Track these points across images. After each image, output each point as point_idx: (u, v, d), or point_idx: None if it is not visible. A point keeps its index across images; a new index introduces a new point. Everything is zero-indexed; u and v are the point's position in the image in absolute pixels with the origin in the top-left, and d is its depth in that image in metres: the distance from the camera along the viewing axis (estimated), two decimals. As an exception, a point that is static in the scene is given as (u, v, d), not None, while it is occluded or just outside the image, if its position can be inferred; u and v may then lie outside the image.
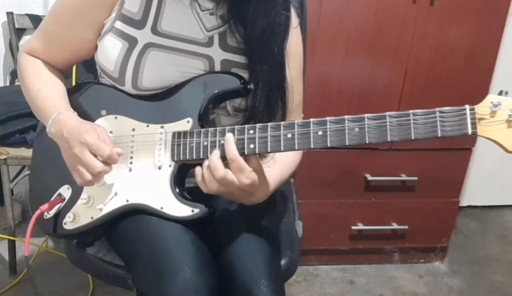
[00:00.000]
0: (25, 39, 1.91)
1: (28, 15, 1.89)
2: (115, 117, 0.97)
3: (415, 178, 1.85)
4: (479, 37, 1.70)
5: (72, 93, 1.01)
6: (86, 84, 1.03)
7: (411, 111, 0.75)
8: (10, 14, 1.85)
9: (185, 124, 0.92)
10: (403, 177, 1.85)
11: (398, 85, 1.73)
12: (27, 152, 1.59)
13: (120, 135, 0.95)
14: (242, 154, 0.83)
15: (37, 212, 0.94)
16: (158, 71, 0.95)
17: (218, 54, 0.97)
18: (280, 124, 0.83)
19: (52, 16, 0.99)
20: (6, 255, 1.80)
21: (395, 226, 1.91)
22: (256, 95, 0.94)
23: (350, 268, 1.98)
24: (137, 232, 0.91)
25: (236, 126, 0.86)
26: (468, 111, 0.73)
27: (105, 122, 0.97)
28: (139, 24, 0.95)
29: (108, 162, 0.86)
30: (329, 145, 0.80)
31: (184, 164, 0.91)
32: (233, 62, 0.97)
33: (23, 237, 1.75)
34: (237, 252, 0.89)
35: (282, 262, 1.01)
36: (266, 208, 1.00)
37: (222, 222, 0.96)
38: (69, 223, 0.95)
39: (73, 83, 1.26)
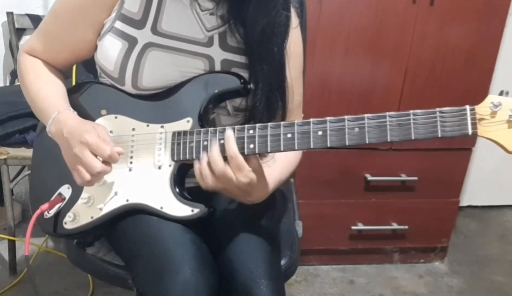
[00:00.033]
0: (25, 39, 1.91)
1: (28, 15, 1.89)
2: (115, 117, 0.97)
3: (415, 178, 1.85)
4: (479, 37, 1.70)
5: (72, 93, 1.01)
6: (86, 84, 1.03)
7: (411, 111, 0.75)
8: (10, 14, 1.85)
9: (185, 124, 0.92)
10: (403, 177, 1.85)
11: (398, 85, 1.73)
12: (27, 152, 1.59)
13: (120, 135, 0.95)
14: (242, 153, 0.83)
15: (37, 212, 0.94)
16: (158, 71, 0.95)
17: (218, 54, 0.97)
18: (280, 124, 0.83)
19: (52, 16, 0.99)
20: (6, 255, 1.80)
21: (395, 226, 1.91)
22: (256, 95, 0.94)
23: (350, 268, 1.98)
24: (137, 232, 0.91)
25: (236, 126, 0.86)
26: (468, 112, 0.73)
27: (105, 122, 0.97)
28: (139, 24, 0.95)
29: (108, 161, 0.86)
30: (329, 145, 0.80)
31: (184, 164, 0.91)
32: (233, 62, 0.97)
33: (23, 237, 1.76)
34: (237, 252, 0.89)
35: (282, 262, 1.01)
36: (266, 208, 1.00)
37: (222, 222, 0.96)
38: (69, 222, 0.95)
39: (73, 83, 1.26)
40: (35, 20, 1.89)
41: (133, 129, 0.95)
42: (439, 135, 0.74)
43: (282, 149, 0.83)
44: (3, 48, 1.96)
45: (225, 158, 0.84)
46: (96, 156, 0.85)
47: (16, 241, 1.76)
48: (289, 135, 0.82)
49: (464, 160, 1.89)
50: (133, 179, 0.93)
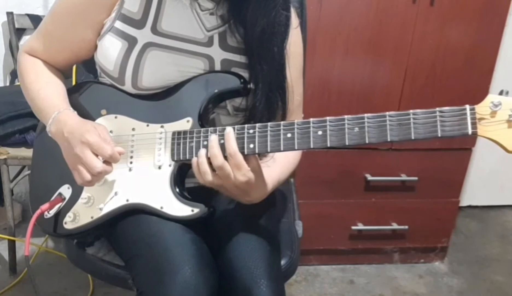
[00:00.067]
0: (25, 39, 1.91)
1: (28, 15, 1.89)
2: (115, 117, 0.97)
3: (415, 178, 1.85)
4: (479, 37, 1.70)
5: (72, 92, 1.01)
6: (86, 84, 1.03)
7: (411, 111, 0.75)
8: (10, 14, 1.85)
9: (185, 123, 0.92)
10: (403, 177, 1.85)
11: (398, 85, 1.73)
12: (27, 152, 1.59)
13: (120, 135, 0.95)
14: (242, 153, 0.83)
15: (38, 212, 0.94)
16: (158, 70, 0.95)
17: (218, 54, 0.97)
18: (280, 124, 0.83)
19: (52, 16, 0.99)
20: (6, 255, 1.80)
21: (395, 226, 1.91)
22: (256, 95, 0.94)
23: (350, 268, 1.98)
24: (137, 231, 0.91)
25: (236, 126, 0.86)
26: (468, 111, 0.73)
27: (105, 121, 0.97)
28: (139, 24, 0.95)
29: (109, 161, 0.86)
30: (329, 145, 0.80)
31: (184, 164, 0.91)
32: (233, 62, 0.97)
33: (23, 237, 1.76)
34: (237, 252, 0.89)
35: (282, 262, 1.01)
36: (266, 208, 1.00)
37: (222, 222, 0.96)
38: (69, 222, 0.95)
39: (73, 83, 1.26)
40: (35, 20, 1.89)
41: (133, 129, 0.95)
42: (439, 135, 0.74)
43: (282, 149, 0.83)
44: (3, 48, 1.96)
45: (224, 157, 0.84)
46: (97, 155, 0.85)
47: (16, 241, 1.76)
48: (289, 135, 0.82)
49: (464, 160, 1.89)
50: (133, 179, 0.93)
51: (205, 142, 0.87)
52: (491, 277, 1.98)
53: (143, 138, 0.94)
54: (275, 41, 0.95)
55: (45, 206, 0.95)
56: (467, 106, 0.73)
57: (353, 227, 1.89)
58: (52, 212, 0.96)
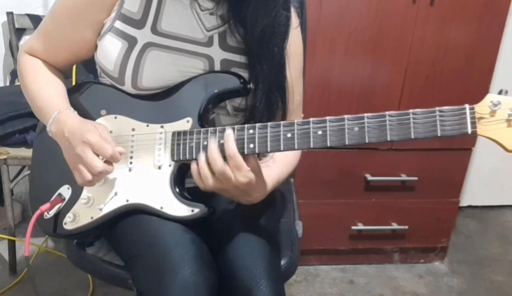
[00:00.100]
0: (25, 39, 1.91)
1: (28, 15, 1.89)
2: (115, 117, 0.97)
3: (415, 178, 1.85)
4: (479, 37, 1.70)
5: (72, 93, 1.01)
6: (85, 84, 1.03)
7: (411, 110, 0.75)
8: (10, 14, 1.85)
9: (185, 124, 0.92)
10: (403, 177, 1.85)
11: (398, 85, 1.73)
12: (27, 152, 1.59)
13: (119, 135, 0.95)
14: (242, 153, 0.83)
15: (37, 212, 0.94)
16: (158, 71, 0.95)
17: (218, 54, 0.97)
18: (280, 123, 0.83)
19: (52, 16, 0.99)
20: (6, 255, 1.80)
21: (395, 226, 1.91)
22: (256, 95, 0.94)
23: (350, 268, 1.98)
24: (137, 232, 0.91)
25: (236, 126, 0.86)
26: (467, 111, 0.73)
27: (104, 122, 0.96)
28: (138, 23, 0.95)
29: (110, 161, 0.86)
30: (328, 145, 0.80)
31: (184, 164, 0.91)
32: (233, 62, 0.97)
33: (23, 237, 1.76)
34: (237, 252, 0.89)
35: (282, 262, 1.01)
36: (266, 208, 1.00)
37: (222, 222, 0.96)
38: (69, 223, 0.95)
39: (73, 83, 1.26)
40: (35, 20, 1.89)
41: (133, 129, 0.95)
42: (439, 135, 0.74)
43: (282, 149, 0.83)
44: (3, 48, 1.96)
45: (224, 158, 0.83)
46: (97, 155, 0.85)
47: (16, 241, 1.76)
48: (289, 135, 0.82)
49: (464, 160, 1.89)
50: (133, 179, 0.93)
51: (205, 143, 0.87)
52: (491, 277, 1.98)
53: (143, 139, 0.94)
54: (275, 41, 0.95)
55: (44, 207, 0.95)
56: (467, 106, 0.73)
57: (353, 227, 1.89)
58: (52, 212, 0.96)
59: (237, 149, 0.83)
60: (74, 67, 1.28)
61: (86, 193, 0.94)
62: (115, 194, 0.93)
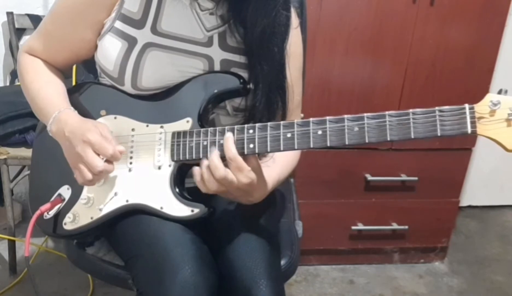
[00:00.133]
0: (25, 39, 1.91)
1: (28, 15, 1.89)
2: (115, 118, 0.97)
3: (415, 178, 1.85)
4: (479, 37, 1.70)
5: (72, 93, 1.01)
6: (85, 84, 1.03)
7: (410, 110, 0.75)
8: (10, 14, 1.85)
9: (185, 124, 0.92)
10: (403, 177, 1.85)
11: (398, 85, 1.73)
12: (27, 152, 1.59)
13: (119, 136, 0.95)
14: (241, 153, 0.83)
15: (37, 212, 0.94)
16: (158, 71, 0.95)
17: (217, 54, 0.97)
18: (279, 124, 0.83)
19: (52, 16, 0.99)
20: (6, 255, 1.81)
21: (395, 226, 1.91)
22: (256, 95, 0.94)
23: (350, 268, 1.98)
24: (137, 232, 0.91)
25: (235, 126, 0.86)
26: (467, 110, 0.73)
27: (104, 122, 0.96)
28: (138, 24, 0.95)
29: (111, 160, 0.86)
30: (328, 145, 0.80)
31: (184, 164, 0.91)
32: (233, 62, 0.97)
33: (23, 237, 1.76)
34: (237, 252, 0.89)
35: (282, 262, 1.01)
36: (266, 208, 1.00)
37: (222, 222, 0.96)
38: (69, 223, 0.95)
39: (73, 83, 1.26)
40: (35, 20, 1.89)
41: (133, 129, 0.95)
42: (439, 134, 0.74)
43: (282, 149, 0.83)
44: (3, 48, 1.96)
45: (223, 159, 0.83)
46: (98, 154, 0.85)
47: (16, 241, 1.76)
48: (289, 135, 0.82)
49: (464, 160, 1.89)
50: (133, 179, 0.93)
51: (205, 143, 0.87)
52: (491, 277, 1.98)
53: (142, 139, 0.94)
54: (275, 41, 0.94)
55: (44, 207, 0.95)
56: (467, 106, 0.73)
57: (353, 227, 1.89)
58: (52, 212, 0.96)
59: (237, 149, 0.83)
60: (74, 67, 1.28)
61: (86, 193, 0.94)
62: (115, 194, 0.93)
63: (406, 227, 1.92)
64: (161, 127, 0.93)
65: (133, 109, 0.96)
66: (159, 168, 0.92)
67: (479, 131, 0.72)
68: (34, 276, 1.28)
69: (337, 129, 0.79)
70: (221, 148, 0.84)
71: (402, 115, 0.76)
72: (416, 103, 1.71)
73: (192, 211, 0.88)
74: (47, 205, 0.95)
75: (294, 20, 1.00)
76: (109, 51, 0.95)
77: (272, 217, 1.06)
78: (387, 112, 0.77)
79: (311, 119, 0.81)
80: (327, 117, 0.80)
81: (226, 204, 0.98)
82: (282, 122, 0.83)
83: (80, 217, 0.94)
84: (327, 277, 1.91)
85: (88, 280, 1.73)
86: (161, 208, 0.90)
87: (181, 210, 0.89)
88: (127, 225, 0.93)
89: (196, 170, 0.86)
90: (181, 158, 0.90)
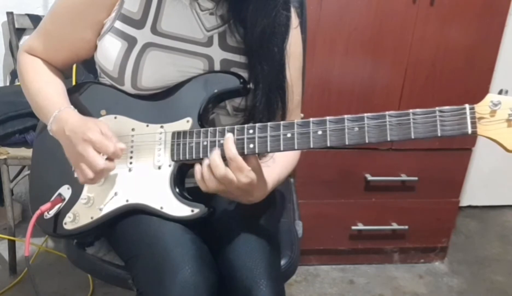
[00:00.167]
0: (25, 39, 1.91)
1: (28, 15, 1.89)
2: (115, 117, 0.97)
3: (415, 178, 1.85)
4: (479, 37, 1.70)
5: (72, 93, 1.01)
6: (85, 84, 1.03)
7: (410, 110, 0.75)
8: (10, 14, 1.85)
9: (185, 124, 0.92)
10: (403, 177, 1.85)
11: (398, 85, 1.73)
12: (27, 152, 1.59)
13: (119, 135, 0.95)
14: (242, 153, 0.83)
15: (37, 212, 0.94)
16: (158, 71, 0.95)
17: (217, 54, 0.97)
18: (279, 124, 0.83)
19: (52, 15, 0.99)
20: (6, 255, 1.81)
21: (395, 226, 1.91)
22: (256, 95, 0.94)
23: (350, 268, 1.98)
24: (137, 232, 0.91)
25: (235, 126, 0.86)
26: (468, 111, 0.73)
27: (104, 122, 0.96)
28: (138, 24, 0.95)
29: (112, 158, 0.86)
30: (328, 145, 0.80)
31: (184, 164, 0.91)
32: (233, 62, 0.97)
33: (23, 237, 1.76)
34: (237, 252, 0.89)
35: (282, 262, 1.01)
36: (266, 208, 1.00)
37: (222, 222, 0.96)
38: (69, 223, 0.95)
39: (73, 83, 1.26)
40: (35, 20, 1.89)
41: (133, 129, 0.95)
42: (439, 135, 0.74)
43: (282, 149, 0.83)
44: (3, 48, 1.96)
45: (224, 159, 0.84)
46: (99, 153, 0.85)
47: (16, 241, 1.76)
48: (288, 135, 0.82)
49: (464, 160, 1.89)
50: (133, 179, 0.93)
51: (205, 143, 0.87)
52: (491, 277, 1.98)
53: (142, 139, 0.94)
54: (275, 41, 0.95)
55: (45, 207, 0.95)
56: (467, 106, 0.73)
57: (353, 227, 1.89)
58: (52, 212, 0.96)
59: (237, 149, 0.83)
60: (74, 67, 1.28)
61: (86, 193, 0.94)
62: (115, 194, 0.93)
63: (406, 227, 1.92)
64: (161, 127, 0.93)
65: (133, 109, 0.96)
66: (159, 167, 0.92)
67: (480, 132, 0.72)
68: (34, 276, 1.28)
69: (337, 130, 0.79)
70: (221, 148, 0.84)
71: (402, 115, 0.76)
72: (416, 103, 1.71)
73: (192, 211, 0.88)
74: (47, 205, 0.95)
75: (294, 20, 1.00)
76: (109, 51, 0.95)
77: (272, 217, 1.06)
78: (387, 113, 0.77)
79: (311, 119, 0.81)
80: (327, 118, 0.80)
81: (226, 204, 0.98)
82: (282, 122, 0.83)
83: (80, 216, 0.94)
84: (327, 277, 1.91)
85: (88, 280, 1.73)
86: (161, 208, 0.90)
87: (181, 210, 0.89)
88: (127, 225, 0.93)
89: (197, 167, 0.86)
90: (181, 158, 0.90)
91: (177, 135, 0.91)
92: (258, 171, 0.86)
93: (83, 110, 0.97)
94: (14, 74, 1.94)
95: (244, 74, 0.95)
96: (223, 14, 0.97)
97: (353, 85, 1.71)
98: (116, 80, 0.96)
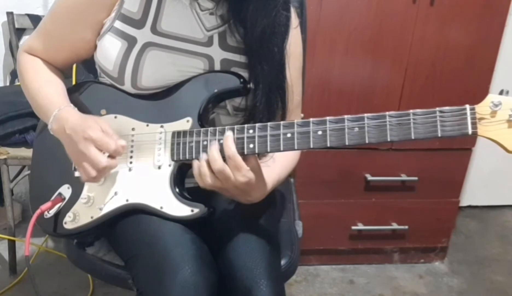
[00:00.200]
0: (25, 39, 1.91)
1: (28, 15, 1.89)
2: (115, 117, 0.97)
3: (415, 178, 1.85)
4: (479, 37, 1.70)
5: (72, 92, 1.01)
6: (85, 84, 1.03)
7: (411, 111, 0.75)
8: (10, 14, 1.85)
9: (185, 123, 0.92)
10: (403, 177, 1.85)
11: (398, 85, 1.73)
12: (27, 152, 1.59)
13: (119, 135, 0.94)
14: (241, 153, 0.83)
15: (37, 212, 0.94)
16: (158, 70, 0.95)
17: (218, 54, 0.97)
18: (279, 124, 0.83)
19: (52, 15, 0.99)
20: (6, 255, 1.80)
21: (395, 226, 1.91)
22: (256, 95, 0.94)
23: (350, 268, 1.98)
24: (137, 231, 0.91)
25: (235, 126, 0.86)
26: (468, 111, 0.73)
27: (105, 122, 0.96)
28: (138, 23, 0.95)
29: (113, 155, 0.86)
30: (328, 145, 0.80)
31: (184, 164, 0.91)
32: (233, 61, 0.97)
33: (23, 237, 1.76)
34: (237, 252, 0.89)
35: (282, 262, 1.01)
36: (266, 207, 1.00)
37: (222, 222, 0.96)
38: (69, 222, 0.95)
39: (73, 83, 1.25)
40: (35, 20, 1.89)
41: (133, 129, 0.95)
42: (439, 135, 0.74)
43: (282, 149, 0.83)
44: (3, 48, 1.96)
45: (224, 159, 0.83)
46: (101, 151, 0.85)
47: (16, 241, 1.76)
48: (288, 135, 0.82)
49: (464, 160, 1.89)
50: (133, 179, 0.93)
51: (205, 143, 0.87)
52: (491, 277, 1.98)
53: (142, 139, 0.94)
54: (275, 41, 0.95)
55: (45, 206, 0.95)
56: (467, 106, 0.73)
57: (353, 227, 1.89)
58: (52, 212, 0.96)
59: (237, 149, 0.83)
60: (74, 67, 1.28)
61: (86, 192, 0.94)
62: (115, 193, 0.93)
63: (406, 227, 1.92)
64: (161, 127, 0.93)
65: (133, 109, 0.96)
66: (159, 167, 0.92)
67: (480, 133, 0.72)
68: (34, 276, 1.28)
69: (337, 130, 0.79)
70: (221, 148, 0.84)
71: (402, 115, 0.76)
72: (416, 103, 1.71)
73: (192, 210, 0.88)
74: (48, 204, 0.95)
75: (294, 20, 1.00)
76: (109, 51, 0.95)
77: (272, 217, 1.06)
78: (387, 113, 0.76)
79: (311, 119, 0.81)
80: (327, 118, 0.80)
81: (226, 204, 0.98)
82: (282, 122, 0.83)
83: (80, 216, 0.94)
84: (327, 277, 1.91)
85: (88, 280, 1.73)
86: (161, 207, 0.90)
87: (181, 209, 0.89)
88: (127, 224, 0.93)
89: (195, 163, 0.86)
90: (181, 158, 0.90)
91: (177, 135, 0.91)
92: (257, 171, 0.86)
93: (83, 110, 0.97)
94: (14, 74, 1.94)
95: (244, 74, 0.95)
96: (223, 14, 0.97)
97: (353, 85, 1.71)
98: (116, 80, 0.96)
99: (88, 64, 1.07)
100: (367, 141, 0.77)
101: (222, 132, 0.86)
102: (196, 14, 0.96)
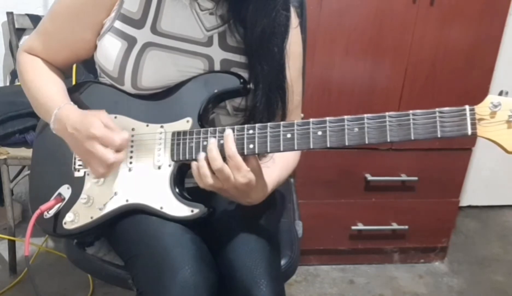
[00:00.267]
0: (25, 39, 1.91)
1: (28, 15, 1.89)
2: (115, 117, 0.97)
3: (415, 178, 1.85)
4: (479, 37, 1.70)
5: (72, 92, 1.01)
6: (85, 84, 1.03)
7: (410, 111, 0.75)
8: (10, 14, 1.85)
9: (185, 124, 0.92)
10: (403, 177, 1.85)
11: (398, 85, 1.73)
12: (27, 152, 1.59)
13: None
14: (241, 154, 0.83)
15: (37, 212, 0.94)
16: (158, 70, 0.95)
17: (217, 54, 0.97)
18: (279, 124, 0.83)
19: (51, 15, 0.99)
20: (6, 255, 1.81)
21: (395, 226, 1.91)
22: (256, 95, 0.94)
23: (350, 268, 1.98)
24: (137, 231, 0.91)
25: (235, 126, 0.85)
26: (468, 112, 0.73)
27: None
28: (138, 23, 0.95)
29: (119, 149, 0.86)
30: (328, 145, 0.80)
31: (184, 164, 0.91)
32: (233, 61, 0.97)
33: (23, 237, 1.75)
34: (237, 252, 0.89)
35: (282, 262, 1.01)
36: (266, 208, 1.00)
37: (222, 222, 0.96)
38: (69, 222, 0.95)
39: (73, 83, 1.25)
40: (35, 20, 1.89)
41: (133, 129, 0.95)
42: (439, 136, 0.74)
43: (281, 149, 0.83)
44: (3, 48, 1.96)
45: (224, 159, 0.83)
46: (106, 147, 0.85)
47: (16, 241, 1.76)
48: (288, 135, 0.82)
49: (464, 160, 1.89)
50: (133, 179, 0.93)
51: (205, 143, 0.87)
52: (491, 277, 1.98)
53: (142, 139, 0.94)
54: (275, 41, 0.94)
55: (44, 206, 0.95)
56: (467, 107, 0.73)
57: (353, 227, 1.89)
58: (52, 212, 0.96)
59: (237, 149, 0.83)
60: (74, 67, 1.28)
61: (86, 192, 0.94)
62: (115, 193, 0.93)
63: (406, 227, 1.92)
64: (161, 127, 0.93)
65: (133, 109, 0.96)
66: (159, 167, 0.92)
67: (479, 133, 0.72)
68: (34, 276, 1.28)
69: (337, 130, 0.79)
70: (221, 148, 0.84)
71: (402, 116, 0.76)
72: (416, 103, 1.71)
73: (192, 211, 0.88)
74: (47, 204, 0.95)
75: (294, 20, 1.00)
76: (109, 51, 0.95)
77: (272, 217, 1.06)
78: (387, 113, 0.76)
79: (311, 119, 0.81)
80: (327, 118, 0.80)
81: (226, 204, 0.98)
82: (282, 122, 0.83)
83: (80, 216, 0.94)
84: (327, 277, 1.92)
85: (88, 280, 1.73)
86: (161, 208, 0.90)
87: (181, 210, 0.89)
88: (127, 224, 0.93)
89: (193, 163, 0.86)
90: (181, 158, 0.90)
91: (177, 135, 0.91)
92: (258, 173, 0.86)
93: (83, 110, 0.97)
94: (14, 74, 1.94)
95: (244, 74, 0.95)
96: (223, 14, 0.97)
97: (353, 86, 1.71)
98: (116, 80, 0.96)
99: (88, 64, 1.07)
100: (367, 142, 0.77)
101: (222, 133, 0.85)
102: (196, 14, 0.96)
